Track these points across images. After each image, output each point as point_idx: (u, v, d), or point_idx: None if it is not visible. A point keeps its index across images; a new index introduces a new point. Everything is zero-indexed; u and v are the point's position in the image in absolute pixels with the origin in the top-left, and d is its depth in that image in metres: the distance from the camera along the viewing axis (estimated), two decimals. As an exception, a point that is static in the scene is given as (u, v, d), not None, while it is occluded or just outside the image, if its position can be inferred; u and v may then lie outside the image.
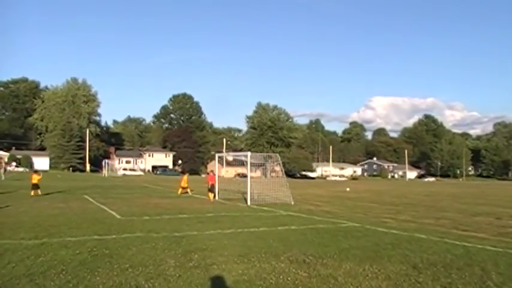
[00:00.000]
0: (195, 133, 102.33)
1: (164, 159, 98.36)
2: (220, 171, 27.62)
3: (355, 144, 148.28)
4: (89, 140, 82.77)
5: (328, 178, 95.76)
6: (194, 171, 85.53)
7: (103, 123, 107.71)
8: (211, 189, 20.75)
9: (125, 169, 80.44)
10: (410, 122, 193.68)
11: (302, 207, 17.69)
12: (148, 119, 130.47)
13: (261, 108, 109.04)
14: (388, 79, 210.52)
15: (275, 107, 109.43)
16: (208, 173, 30.14)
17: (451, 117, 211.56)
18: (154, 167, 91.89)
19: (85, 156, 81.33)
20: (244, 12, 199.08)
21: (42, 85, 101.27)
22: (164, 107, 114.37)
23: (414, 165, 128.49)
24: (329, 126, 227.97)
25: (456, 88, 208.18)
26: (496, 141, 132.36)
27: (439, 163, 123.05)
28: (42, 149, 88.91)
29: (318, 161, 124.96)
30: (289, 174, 73.94)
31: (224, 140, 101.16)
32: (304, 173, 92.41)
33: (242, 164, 50.01)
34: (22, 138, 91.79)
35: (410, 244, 8.90)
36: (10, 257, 6.78)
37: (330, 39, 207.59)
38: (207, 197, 20.72)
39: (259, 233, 10.19)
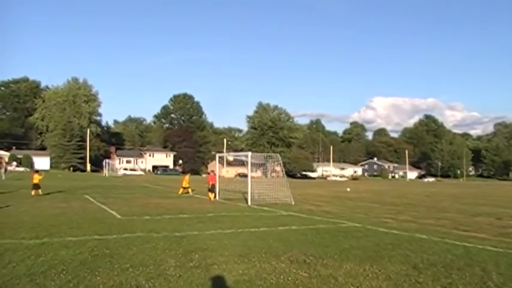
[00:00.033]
0: (195, 133, 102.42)
1: (165, 159, 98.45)
2: (220, 171, 27.67)
3: (355, 145, 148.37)
4: (90, 140, 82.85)
5: (328, 178, 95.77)
6: (195, 171, 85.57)
7: (104, 123, 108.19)
8: (212, 189, 20.76)
9: (125, 169, 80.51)
10: (410, 122, 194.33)
11: (302, 207, 17.68)
12: (149, 119, 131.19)
13: (262, 108, 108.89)
14: (389, 79, 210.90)
15: (276, 107, 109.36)
16: (208, 173, 30.13)
17: (452, 118, 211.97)
18: (154, 167, 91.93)
19: (85, 156, 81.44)
20: (245, 12, 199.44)
21: (43, 85, 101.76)
22: (165, 107, 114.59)
23: (415, 165, 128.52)
24: (330, 127, 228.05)
25: (456, 88, 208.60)
26: (497, 141, 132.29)
27: (440, 163, 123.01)
28: (42, 148, 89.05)
29: (319, 161, 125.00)
30: (290, 174, 74.01)
31: (225, 140, 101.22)
32: (304, 173, 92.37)
33: (242, 164, 50.00)
34: (23, 138, 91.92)
35: (410, 244, 8.90)
36: (11, 257, 6.79)
37: (331, 39, 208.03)
38: (208, 197, 20.72)
39: (260, 233, 10.19)
